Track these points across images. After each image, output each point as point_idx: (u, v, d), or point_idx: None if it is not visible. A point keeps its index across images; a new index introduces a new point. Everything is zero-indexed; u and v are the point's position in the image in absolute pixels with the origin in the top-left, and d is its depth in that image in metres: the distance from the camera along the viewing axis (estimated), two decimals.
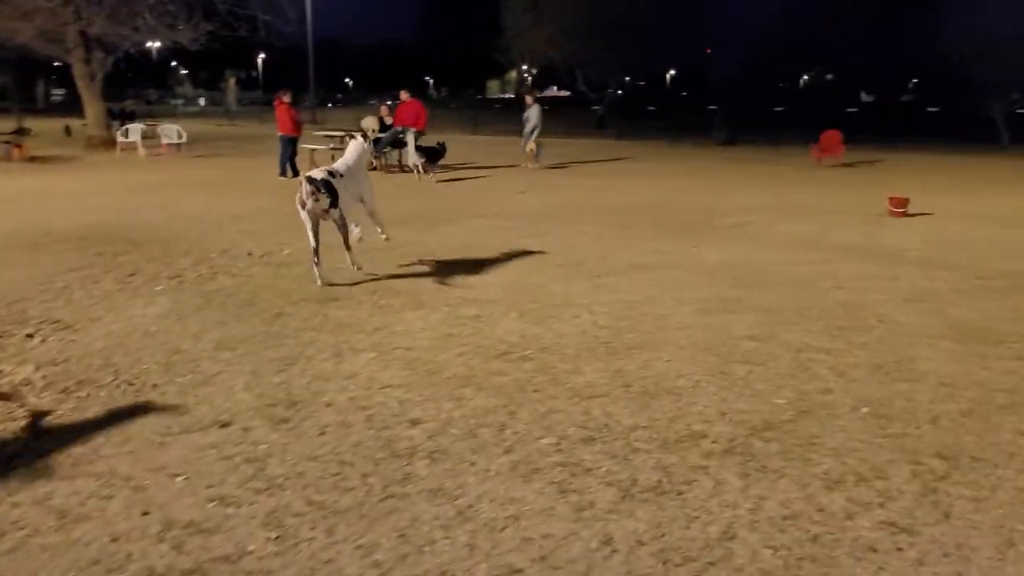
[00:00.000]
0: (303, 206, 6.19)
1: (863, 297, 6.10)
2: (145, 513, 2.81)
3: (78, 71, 21.37)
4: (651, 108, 43.97)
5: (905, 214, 10.32)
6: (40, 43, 20.79)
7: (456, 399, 3.81)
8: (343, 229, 6.54)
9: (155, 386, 4.10)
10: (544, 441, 3.35)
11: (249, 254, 7.72)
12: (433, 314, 5.45)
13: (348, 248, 6.67)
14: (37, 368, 4.38)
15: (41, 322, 5.28)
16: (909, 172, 18.12)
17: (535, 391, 3.92)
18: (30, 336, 4.99)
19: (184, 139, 20.29)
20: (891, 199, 10.50)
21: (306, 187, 6.13)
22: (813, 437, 3.40)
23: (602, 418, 3.60)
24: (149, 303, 5.76)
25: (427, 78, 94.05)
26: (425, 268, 7.05)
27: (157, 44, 28.39)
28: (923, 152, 24.74)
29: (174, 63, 65.43)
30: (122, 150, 20.24)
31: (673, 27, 45.16)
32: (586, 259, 7.54)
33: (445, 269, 6.99)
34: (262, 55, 64.21)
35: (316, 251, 6.36)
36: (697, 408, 3.72)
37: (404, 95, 16.36)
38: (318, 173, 6.37)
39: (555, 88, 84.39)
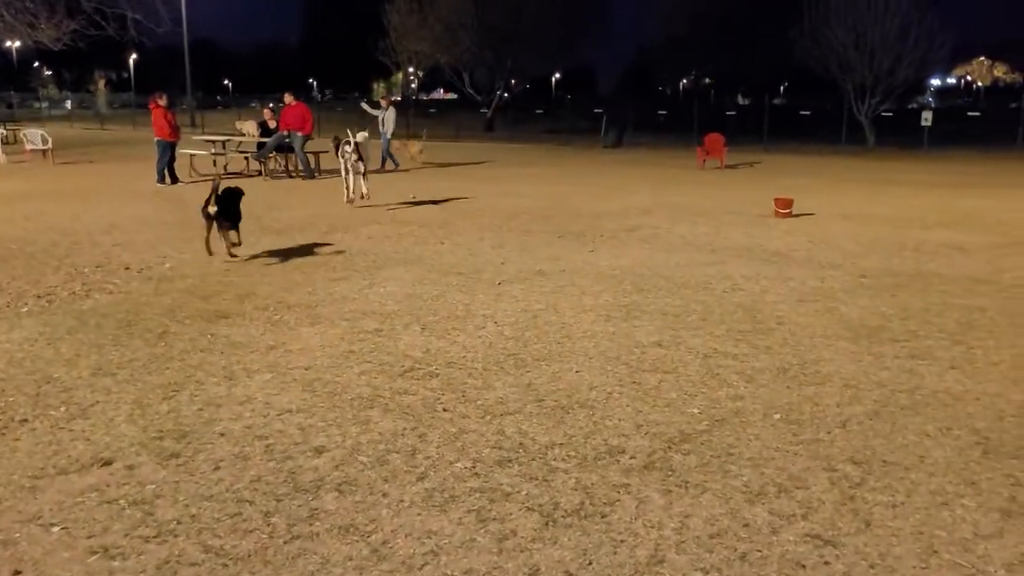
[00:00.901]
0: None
1: (760, 299, 6.22)
2: (17, 572, 2.49)
3: None
4: (539, 111, 44.28)
5: (790, 215, 10.68)
6: None
7: (362, 422, 3.60)
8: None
9: (24, 422, 3.71)
10: (459, 465, 3.19)
11: (127, 268, 7.23)
12: (331, 329, 5.20)
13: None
14: None
15: None
16: (787, 173, 18.88)
17: (445, 410, 3.76)
18: None
19: (50, 145, 19.02)
20: (776, 200, 10.85)
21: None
22: (730, 447, 3.37)
23: (517, 436, 3.48)
24: (14, 326, 5.27)
25: (310, 80, 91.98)
26: (320, 279, 6.76)
27: (16, 44, 26.61)
28: (797, 153, 25.90)
29: (36, 63, 61.59)
30: None
31: (558, 30, 45.74)
32: (486, 267, 7.41)
33: (342, 280, 6.73)
34: (134, 55, 61.24)
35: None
36: (612, 421, 3.65)
37: (289, 98, 15.84)
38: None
39: (442, 91, 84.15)
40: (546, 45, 46.48)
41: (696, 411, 3.78)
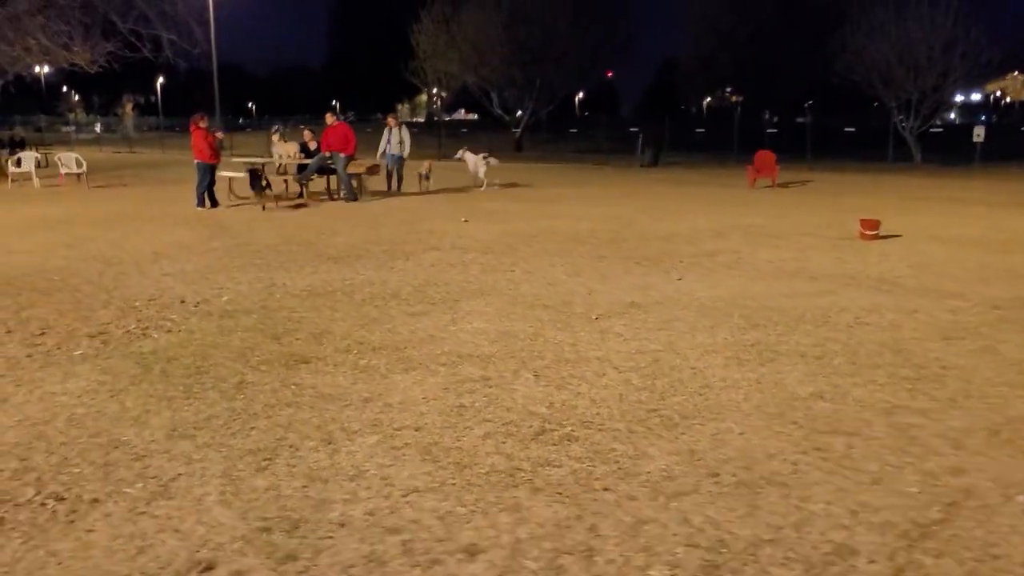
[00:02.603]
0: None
1: (897, 335, 5.49)
2: None
3: None
4: (573, 130, 43.75)
5: (877, 236, 9.93)
6: None
7: (511, 508, 2.92)
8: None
9: (95, 502, 3.07)
10: (654, 574, 2.50)
11: (182, 302, 6.62)
12: (429, 377, 4.53)
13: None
14: None
15: None
16: (846, 192, 18.09)
17: (606, 490, 3.07)
18: None
19: (84, 168, 18.62)
20: (863, 222, 10.10)
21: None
22: (988, 546, 2.66)
23: (709, 529, 2.78)
24: (69, 373, 4.65)
25: (334, 101, 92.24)
26: (396, 313, 6.11)
27: (48, 68, 26.44)
28: (843, 171, 25.07)
29: (65, 88, 62.00)
30: (13, 181, 18.45)
31: (587, 48, 45.26)
32: (572, 298, 6.74)
33: (421, 315, 6.08)
34: (161, 79, 61.47)
35: None
36: (818, 505, 2.94)
37: (330, 118, 15.31)
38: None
39: (463, 111, 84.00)
40: (575, 63, 45.99)
41: (915, 490, 3.07)
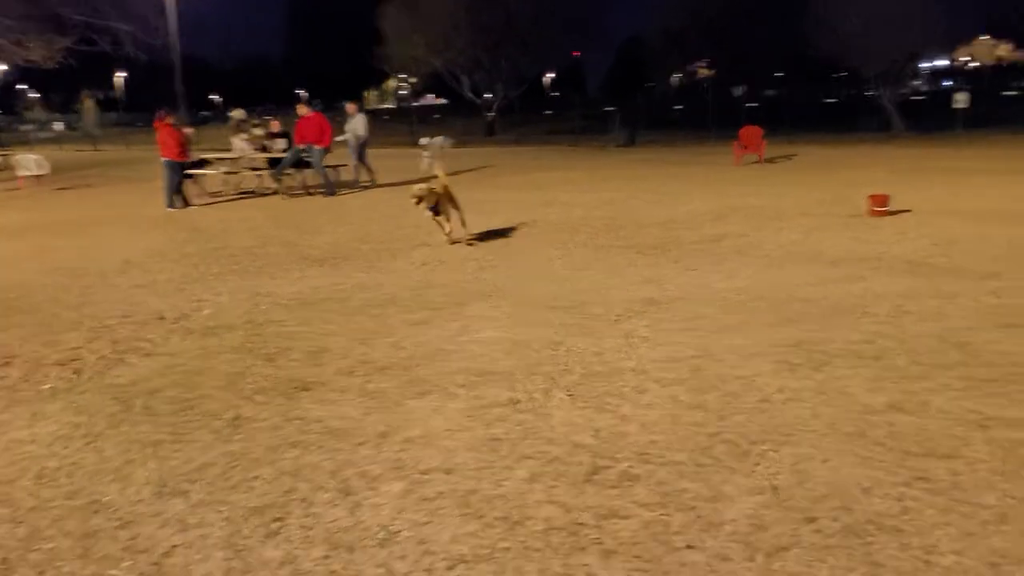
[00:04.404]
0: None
1: (946, 324, 5.06)
2: None
3: None
4: (548, 112, 43.11)
5: (887, 213, 9.52)
6: None
7: None
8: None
9: None
10: None
11: (160, 318, 6.04)
12: (450, 402, 4.02)
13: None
14: None
15: None
16: (837, 166, 17.75)
17: (689, 547, 2.58)
18: None
19: (46, 170, 17.77)
20: (872, 197, 9.69)
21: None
22: None
23: None
24: (38, 414, 4.08)
25: (302, 92, 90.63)
26: (397, 323, 5.58)
27: (3, 67, 25.40)
28: (827, 144, 24.75)
29: (21, 85, 60.16)
30: None
31: (552, 29, 44.58)
32: (584, 296, 6.25)
33: (423, 323, 5.55)
34: (121, 73, 59.78)
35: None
36: (948, 558, 2.48)
37: (303, 109, 14.63)
38: None
39: (432, 96, 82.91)
40: (541, 44, 45.28)
41: None
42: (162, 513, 3.01)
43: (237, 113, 15.48)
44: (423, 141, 17.43)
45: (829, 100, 32.14)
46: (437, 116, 47.10)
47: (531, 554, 2.57)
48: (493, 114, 45.04)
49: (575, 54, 65.99)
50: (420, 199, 8.30)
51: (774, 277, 6.76)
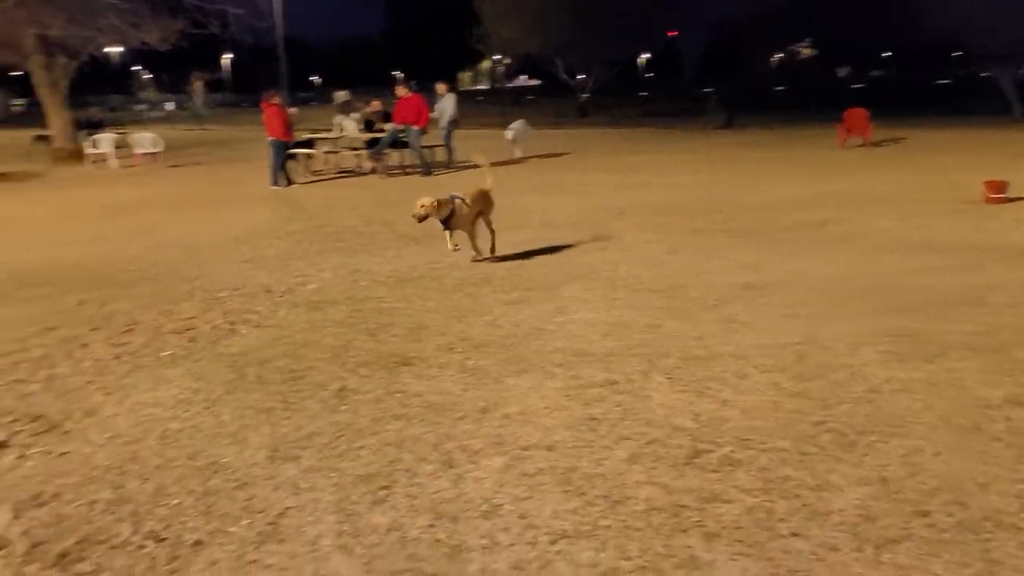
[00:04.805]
0: None
1: None
2: None
3: (39, 79, 19.59)
4: (643, 93, 42.55)
5: (1005, 200, 9.06)
6: None
7: (688, 565, 2.43)
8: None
9: (198, 544, 2.69)
10: None
11: (267, 291, 6.29)
12: (547, 381, 4.06)
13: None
14: (16, 514, 2.94)
15: (16, 420, 3.84)
16: (946, 150, 16.94)
17: (794, 534, 2.55)
18: (2, 446, 3.55)
19: (160, 148, 18.63)
20: (988, 183, 9.23)
21: None
22: None
23: None
24: (160, 379, 4.32)
25: (397, 72, 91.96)
26: (493, 302, 5.66)
27: (121, 48, 26.64)
28: (937, 128, 23.60)
29: (137, 67, 63.02)
30: (92, 163, 18.56)
31: (649, 8, 43.85)
32: (680, 280, 6.19)
33: (519, 303, 5.61)
34: (228, 55, 61.95)
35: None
36: None
37: (402, 90, 14.87)
38: None
39: (526, 77, 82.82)
40: (635, 25, 44.59)
41: None
42: (276, 476, 3.16)
43: (341, 94, 15.85)
44: (511, 128, 17.38)
45: (941, 81, 30.53)
46: (531, 97, 47.03)
47: (632, 533, 2.59)
48: (587, 95, 44.72)
49: (671, 34, 64.79)
50: (422, 218, 6.74)
51: (881, 264, 6.55)
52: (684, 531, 2.59)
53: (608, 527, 2.64)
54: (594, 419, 3.55)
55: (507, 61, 58.10)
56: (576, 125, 35.67)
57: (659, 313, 5.26)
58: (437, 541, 2.64)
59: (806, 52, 64.73)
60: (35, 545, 2.74)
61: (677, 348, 4.50)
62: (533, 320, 5.19)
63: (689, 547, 2.50)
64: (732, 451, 3.15)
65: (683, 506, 2.74)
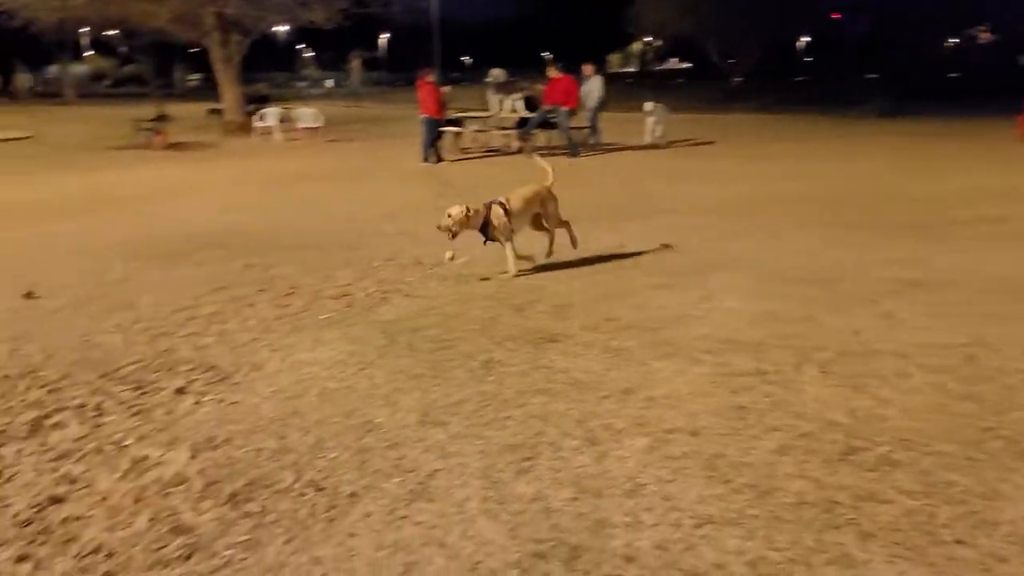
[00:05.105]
0: None
1: None
2: None
3: (215, 55, 20.95)
4: (799, 78, 40.75)
5: None
6: (177, 27, 20.49)
7: (840, 562, 2.35)
8: None
9: (353, 496, 2.84)
10: None
11: (418, 263, 6.49)
12: (693, 367, 4.01)
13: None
14: (193, 454, 3.20)
15: (193, 369, 4.16)
16: None
17: (958, 542, 2.42)
18: (180, 392, 3.86)
19: (321, 123, 19.54)
20: None
21: None
22: None
23: None
24: (318, 341, 4.56)
25: (546, 53, 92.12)
26: (639, 286, 5.62)
27: (287, 26, 28.02)
28: None
29: (300, 45, 66.14)
30: (258, 135, 19.71)
31: None
32: (836, 272, 5.93)
33: (666, 287, 5.54)
34: (386, 35, 63.97)
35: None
36: None
37: (553, 71, 14.90)
38: None
39: (675, 60, 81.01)
40: (794, 7, 42.71)
41: None
42: (425, 439, 3.28)
43: (497, 73, 16.03)
44: (647, 106, 16.89)
45: None
46: (680, 80, 46.02)
47: (781, 525, 2.54)
48: (739, 79, 43.32)
49: (834, 16, 61.59)
50: (453, 232, 5.71)
51: None
52: (837, 528, 2.51)
53: (756, 516, 2.59)
54: (742, 408, 3.48)
55: (658, 43, 57.11)
56: (726, 110, 34.61)
57: (812, 305, 5.07)
58: (580, 515, 2.67)
59: (984, 37, 60.05)
60: (209, 484, 2.97)
61: (832, 342, 4.33)
62: (679, 305, 5.13)
63: (842, 544, 2.41)
64: (890, 451, 3.01)
65: (836, 502, 2.65)
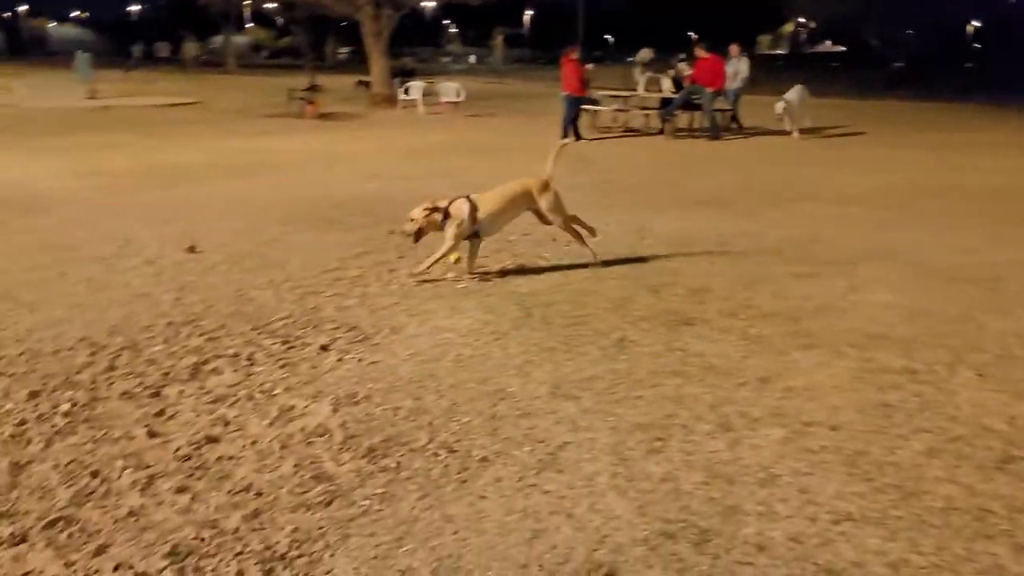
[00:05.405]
0: None
1: None
2: None
3: (367, 28, 21.60)
4: (968, 65, 38.08)
5: None
6: (332, 1, 21.21)
7: (992, 573, 2.22)
8: None
9: (484, 461, 2.90)
10: None
11: (553, 240, 6.51)
12: (837, 360, 3.85)
13: None
14: (335, 408, 3.35)
15: (336, 328, 4.35)
16: None
17: None
18: (324, 348, 4.04)
19: (463, 97, 19.85)
20: None
21: None
22: None
23: None
24: (455, 308, 4.67)
25: (689, 33, 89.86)
26: (781, 273, 5.43)
27: (434, 2, 28.55)
28: None
29: (446, 21, 67.31)
30: (403, 107, 20.24)
31: None
32: (1000, 271, 5.53)
33: (810, 277, 5.34)
34: (530, 11, 64.19)
35: None
36: None
37: (700, 50, 14.52)
38: None
39: (829, 43, 77.25)
40: None
41: None
42: (556, 412, 3.31)
43: (644, 53, 15.77)
44: (786, 98, 15.60)
45: None
46: (835, 64, 43.85)
47: (927, 529, 2.41)
48: (899, 65, 40.86)
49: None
50: (416, 236, 5.19)
51: None
52: (989, 537, 2.36)
53: (900, 518, 2.48)
54: (888, 406, 3.32)
55: (812, 24, 54.64)
56: (883, 97, 32.76)
57: (970, 304, 4.76)
58: (711, 499, 2.63)
59: None
60: (349, 437, 3.10)
61: (991, 344, 4.06)
62: (824, 296, 4.93)
63: (994, 555, 2.28)
64: None
65: (989, 511, 2.50)
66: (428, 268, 5.23)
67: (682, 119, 15.10)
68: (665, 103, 15.01)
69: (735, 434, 3.10)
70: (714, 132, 14.18)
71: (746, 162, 11.48)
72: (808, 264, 5.74)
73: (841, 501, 2.59)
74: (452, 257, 5.24)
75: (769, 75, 28.57)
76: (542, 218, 5.65)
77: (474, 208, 5.24)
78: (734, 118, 15.15)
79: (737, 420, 3.22)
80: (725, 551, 2.34)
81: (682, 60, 16.07)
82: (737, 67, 14.99)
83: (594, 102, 15.47)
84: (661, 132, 14.91)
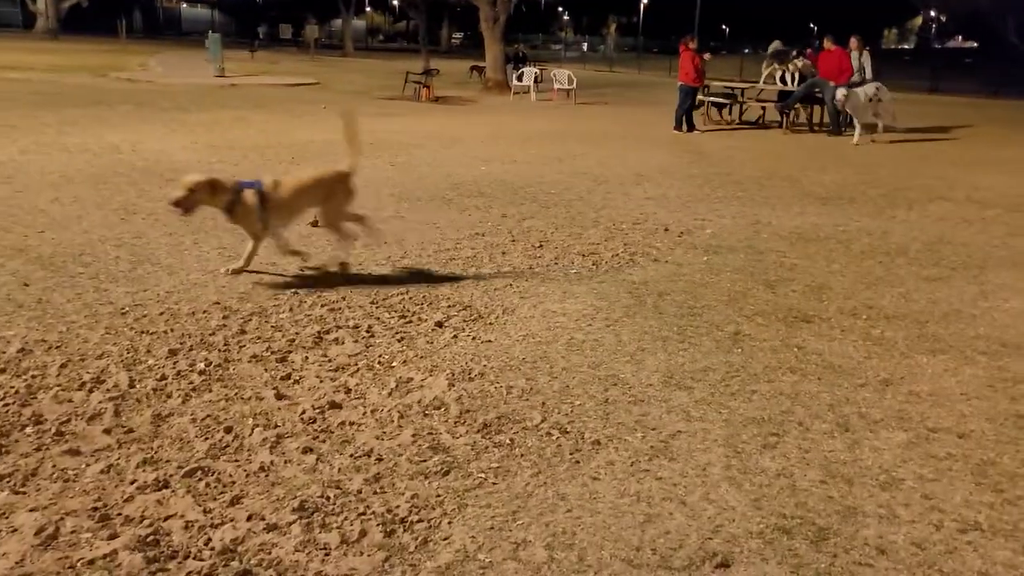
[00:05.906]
0: None
1: None
2: None
3: (484, 14, 21.80)
4: None
5: None
6: None
7: None
8: None
9: (597, 444, 2.93)
10: None
11: (666, 230, 6.46)
12: (966, 367, 3.70)
13: None
14: (450, 383, 3.44)
15: (451, 306, 4.44)
16: None
17: None
18: (440, 325, 4.14)
19: (574, 85, 19.82)
20: None
21: None
22: None
23: None
24: (567, 293, 4.70)
25: (811, 25, 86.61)
26: (908, 275, 5.23)
27: None
28: None
29: (559, 8, 67.16)
30: (515, 94, 20.36)
31: None
32: None
33: (938, 280, 5.12)
34: (644, 0, 63.31)
35: None
36: None
37: (828, 43, 14.00)
38: None
39: (960, 38, 73.18)
40: None
41: None
42: (668, 400, 3.30)
43: (775, 45, 15.37)
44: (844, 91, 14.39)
45: None
46: (968, 60, 41.52)
47: None
48: None
49: None
50: (183, 205, 4.33)
51: None
52: None
53: None
54: (1020, 417, 3.16)
55: (941, 17, 51.83)
56: (1021, 96, 30.85)
57: None
58: (829, 498, 2.58)
59: None
60: (464, 411, 3.18)
61: None
62: (952, 300, 4.73)
63: None
64: None
65: None
66: (246, 261, 4.70)
67: (801, 113, 14.64)
68: (783, 96, 14.57)
69: (854, 435, 3.02)
70: (835, 127, 13.69)
71: (869, 158, 11.05)
72: (935, 267, 5.52)
73: (969, 510, 2.50)
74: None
75: (896, 70, 27.29)
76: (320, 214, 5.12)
77: (264, 199, 4.50)
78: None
79: (856, 421, 3.14)
80: (844, 551, 2.30)
81: (801, 53, 15.51)
82: (860, 62, 14.37)
83: (729, 96, 15.15)
84: (778, 125, 14.51)
